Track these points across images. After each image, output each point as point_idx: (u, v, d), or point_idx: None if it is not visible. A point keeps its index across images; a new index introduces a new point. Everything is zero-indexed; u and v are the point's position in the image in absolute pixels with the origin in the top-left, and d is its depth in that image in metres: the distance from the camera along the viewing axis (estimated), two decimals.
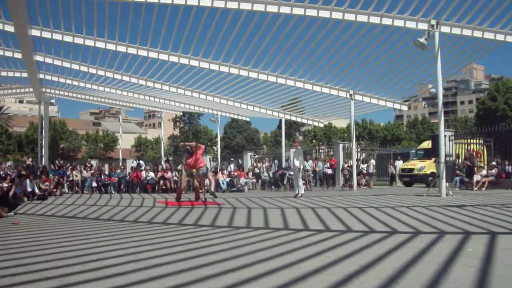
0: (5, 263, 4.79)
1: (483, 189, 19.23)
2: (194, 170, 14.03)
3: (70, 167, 24.43)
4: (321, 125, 38.07)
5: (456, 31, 15.54)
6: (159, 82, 22.45)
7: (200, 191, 14.22)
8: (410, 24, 15.42)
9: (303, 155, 18.22)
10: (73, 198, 17.95)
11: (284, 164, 25.90)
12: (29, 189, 16.76)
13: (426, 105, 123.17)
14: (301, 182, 17.22)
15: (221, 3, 14.90)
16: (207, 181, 16.98)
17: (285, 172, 24.20)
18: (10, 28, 15.85)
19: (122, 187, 23.29)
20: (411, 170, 24.99)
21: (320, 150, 34.58)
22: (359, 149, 30.64)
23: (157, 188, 22.95)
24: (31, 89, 26.00)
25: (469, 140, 23.91)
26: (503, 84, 72.26)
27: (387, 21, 15.40)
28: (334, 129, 76.36)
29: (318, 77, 21.25)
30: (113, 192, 22.35)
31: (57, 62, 20.06)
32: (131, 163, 28.69)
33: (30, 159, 27.66)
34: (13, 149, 63.77)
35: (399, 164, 26.80)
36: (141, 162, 27.69)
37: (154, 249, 5.48)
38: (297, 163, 17.00)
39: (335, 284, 3.63)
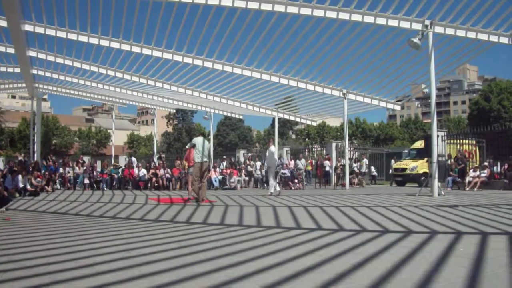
0: None
1: (475, 189, 19.33)
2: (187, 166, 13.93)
3: (62, 163, 24.30)
4: (315, 124, 38.11)
5: (450, 31, 15.60)
6: (152, 79, 22.41)
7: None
8: (404, 24, 15.46)
9: (277, 154, 18.45)
10: (65, 194, 17.88)
11: (276, 162, 25.91)
12: (21, 185, 16.70)
13: (419, 105, 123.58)
14: (271, 181, 17.29)
15: (215, 1, 14.87)
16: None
17: (277, 170, 24.19)
18: (3, 23, 15.74)
19: (114, 183, 23.21)
20: (404, 169, 25.09)
21: (313, 149, 34.65)
22: (352, 148, 30.72)
23: (149, 185, 22.90)
24: (23, 85, 25.85)
25: (461, 141, 24.01)
26: (496, 85, 72.62)
27: (381, 21, 15.43)
28: (327, 128, 76.53)
29: (311, 76, 21.29)
30: (105, 188, 22.28)
31: (50, 58, 19.96)
32: (123, 160, 28.52)
33: (23, 155, 27.51)
34: (5, 145, 63.46)
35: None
36: (133, 158, 27.62)
37: (146, 246, 5.47)
38: (271, 162, 17.16)
39: (327, 282, 3.64)
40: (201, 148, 13.31)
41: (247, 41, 18.46)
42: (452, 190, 19.94)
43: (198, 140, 13.54)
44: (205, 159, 13.41)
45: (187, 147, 14.22)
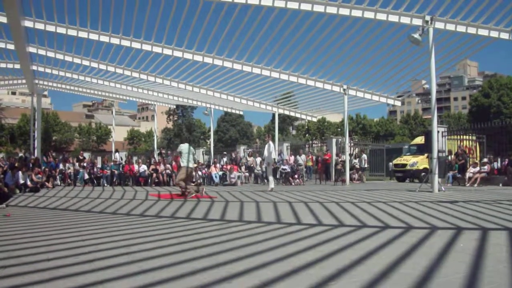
0: None
1: (475, 185, 19.32)
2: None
3: (62, 159, 24.29)
4: (315, 119, 38.09)
5: (450, 27, 15.57)
6: (152, 75, 22.39)
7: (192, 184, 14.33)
8: (405, 20, 15.43)
9: (274, 149, 18.48)
10: (65, 190, 17.88)
11: (276, 158, 25.89)
12: (22, 181, 16.70)
13: (419, 101, 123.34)
14: (271, 177, 17.39)
15: None
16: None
17: (277, 166, 24.18)
18: (3, 19, 15.71)
19: (114, 180, 23.22)
20: (404, 165, 25.04)
21: (313, 145, 34.63)
22: (352, 144, 30.69)
23: (149, 181, 22.91)
24: (24, 81, 25.85)
25: (462, 136, 24.00)
26: (496, 81, 72.52)
27: (381, 16, 15.40)
28: (327, 123, 76.48)
29: (311, 71, 21.26)
30: (105, 184, 22.29)
31: (50, 54, 19.94)
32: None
33: (23, 151, 27.52)
34: (5, 141, 63.46)
35: None
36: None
37: (146, 242, 5.47)
38: (269, 157, 17.17)
39: (327, 278, 3.64)
40: (187, 154, 14.18)
41: (247, 37, 18.48)
42: (452, 186, 19.94)
43: (183, 147, 14.39)
44: (190, 165, 14.33)
45: (174, 154, 15.04)
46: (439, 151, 15.67)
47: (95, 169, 23.37)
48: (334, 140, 27.88)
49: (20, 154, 25.55)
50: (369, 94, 22.80)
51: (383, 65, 19.68)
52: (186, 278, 3.68)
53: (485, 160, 20.94)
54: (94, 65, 21.12)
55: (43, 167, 20.98)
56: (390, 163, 29.16)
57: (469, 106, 78.46)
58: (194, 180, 14.53)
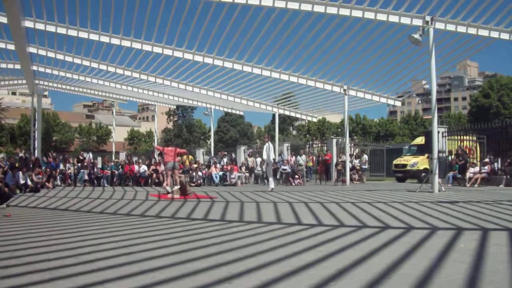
0: None
1: (476, 185, 19.30)
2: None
3: (62, 159, 24.27)
4: (315, 119, 38.06)
5: (450, 27, 15.57)
6: (152, 75, 22.39)
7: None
8: (405, 20, 15.44)
9: (274, 150, 18.48)
10: (65, 190, 17.87)
11: (277, 158, 25.87)
12: (22, 181, 16.70)
13: (419, 101, 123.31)
14: (271, 177, 17.38)
15: None
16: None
17: (278, 166, 24.16)
18: (3, 19, 15.71)
19: (115, 180, 23.20)
20: (404, 165, 25.02)
21: (314, 145, 34.60)
22: (352, 145, 30.65)
23: (150, 181, 22.90)
24: (24, 81, 25.86)
25: (462, 137, 23.97)
26: (496, 81, 72.43)
27: (381, 17, 15.41)
28: (328, 124, 76.38)
29: (312, 71, 21.26)
30: (106, 185, 22.27)
31: (51, 54, 19.94)
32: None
33: (23, 151, 27.47)
34: (6, 141, 63.45)
35: None
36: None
37: (146, 242, 5.47)
38: (268, 157, 17.14)
39: (327, 278, 3.64)
40: None
41: (247, 37, 18.48)
42: (453, 186, 19.92)
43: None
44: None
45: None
46: (439, 152, 15.67)
47: (95, 170, 23.34)
48: (334, 141, 27.85)
49: (21, 154, 25.48)
50: (369, 95, 22.81)
51: (384, 65, 19.69)
52: (186, 278, 3.69)
53: (486, 160, 20.90)
54: (95, 65, 21.13)
55: (43, 167, 20.96)
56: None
57: (469, 107, 78.36)
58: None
